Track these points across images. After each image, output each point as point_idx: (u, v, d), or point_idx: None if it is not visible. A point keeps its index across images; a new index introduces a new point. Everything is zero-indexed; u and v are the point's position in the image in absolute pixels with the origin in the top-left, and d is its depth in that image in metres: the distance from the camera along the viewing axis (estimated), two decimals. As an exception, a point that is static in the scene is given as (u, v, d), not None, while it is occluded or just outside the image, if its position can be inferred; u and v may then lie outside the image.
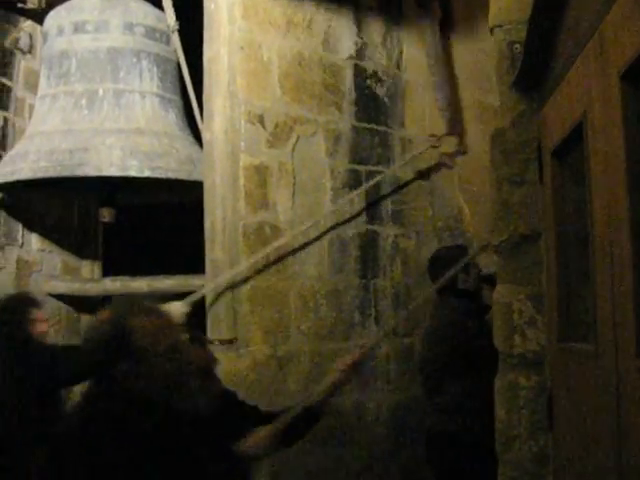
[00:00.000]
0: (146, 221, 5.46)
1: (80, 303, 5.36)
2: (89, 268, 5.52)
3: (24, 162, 4.47)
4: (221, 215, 4.15)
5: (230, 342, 4.15)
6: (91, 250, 5.53)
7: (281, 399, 4.23)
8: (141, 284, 5.04)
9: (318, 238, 4.41)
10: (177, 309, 3.74)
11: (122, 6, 4.67)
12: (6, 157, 4.73)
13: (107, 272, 5.55)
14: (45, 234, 5.24)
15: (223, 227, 4.15)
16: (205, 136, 4.28)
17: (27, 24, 5.13)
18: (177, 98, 4.80)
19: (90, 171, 4.37)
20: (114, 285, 5.09)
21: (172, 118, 4.72)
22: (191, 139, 4.74)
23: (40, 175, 4.41)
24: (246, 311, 4.18)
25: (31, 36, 5.15)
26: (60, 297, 5.29)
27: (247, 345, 4.18)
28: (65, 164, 4.37)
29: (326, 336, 4.42)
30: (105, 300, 5.19)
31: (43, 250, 5.24)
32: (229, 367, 4.14)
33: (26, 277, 5.12)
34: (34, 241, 5.18)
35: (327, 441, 4.23)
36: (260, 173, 4.28)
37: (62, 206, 5.37)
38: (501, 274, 2.74)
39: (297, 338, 4.32)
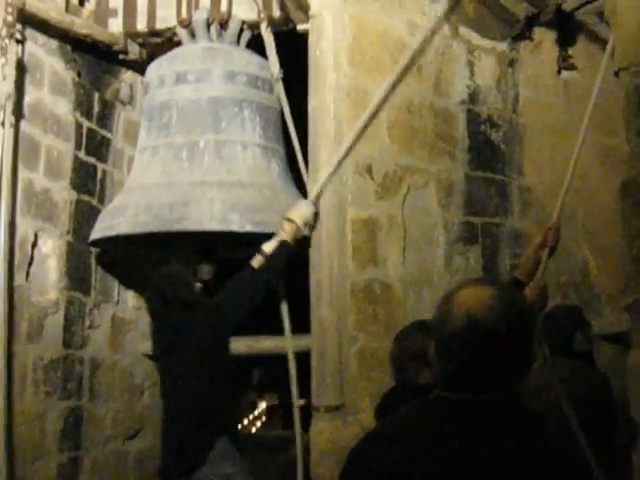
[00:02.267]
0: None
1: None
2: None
3: (122, 216, 4.58)
4: (328, 272, 4.14)
5: (336, 409, 4.10)
6: (188, 308, 5.57)
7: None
8: (239, 345, 5.04)
9: (431, 296, 4.30)
10: (305, 210, 4.15)
11: (224, 55, 4.79)
12: (104, 211, 4.86)
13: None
14: (141, 292, 5.31)
15: (330, 284, 4.14)
16: (310, 188, 4.27)
17: (127, 75, 5.34)
18: (280, 148, 4.84)
19: (190, 225, 4.43)
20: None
21: (275, 169, 4.76)
22: (294, 191, 4.76)
23: (139, 230, 4.51)
24: (354, 374, 4.12)
25: (131, 87, 5.34)
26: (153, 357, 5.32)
27: (355, 412, 4.10)
28: (164, 218, 4.45)
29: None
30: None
31: (139, 308, 5.31)
32: (335, 436, 4.08)
33: (121, 336, 5.21)
34: (130, 298, 5.27)
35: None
36: (369, 227, 4.25)
37: (159, 262, 5.43)
38: (636, 337, 2.60)
39: (409, 405, 4.20)
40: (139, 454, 5.27)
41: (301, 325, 4.53)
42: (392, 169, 4.37)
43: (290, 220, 4.11)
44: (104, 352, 5.08)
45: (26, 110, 4.65)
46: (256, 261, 4.06)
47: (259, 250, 4.09)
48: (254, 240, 4.92)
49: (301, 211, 4.14)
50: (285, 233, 4.10)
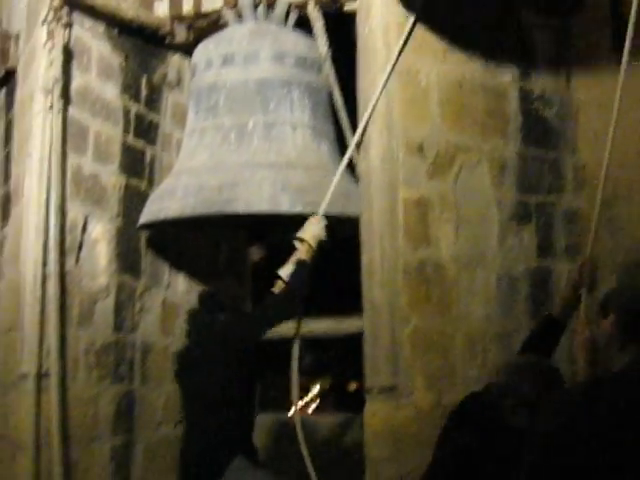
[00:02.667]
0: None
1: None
2: (235, 311, 5.55)
3: (171, 200, 4.58)
4: (379, 252, 4.08)
5: (390, 390, 4.05)
6: (239, 291, 5.57)
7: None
8: (291, 327, 5.02)
9: (485, 276, 4.25)
10: (315, 228, 4.08)
11: (272, 36, 4.75)
12: (153, 195, 4.85)
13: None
14: (191, 275, 5.33)
15: (381, 265, 4.08)
16: (361, 168, 4.24)
17: (175, 58, 5.31)
18: (329, 129, 4.80)
19: (240, 208, 4.41)
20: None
21: (324, 150, 4.72)
22: (344, 172, 4.70)
23: (188, 213, 4.50)
24: (408, 356, 4.07)
25: (179, 70, 5.31)
26: (206, 341, 5.32)
27: (409, 393, 4.06)
28: (214, 201, 4.43)
29: (495, 384, 4.24)
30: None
31: (190, 292, 5.31)
32: (388, 418, 4.05)
33: (172, 320, 5.21)
34: (180, 282, 5.27)
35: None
36: (420, 206, 4.19)
37: (209, 245, 5.45)
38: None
39: (464, 385, 4.14)
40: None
41: (353, 307, 4.51)
42: (444, 148, 4.29)
43: (302, 240, 4.05)
44: (155, 336, 5.07)
45: (74, 95, 4.67)
46: (277, 287, 4.02)
47: (276, 276, 4.03)
48: (304, 222, 4.93)
49: (312, 229, 4.07)
50: (299, 253, 4.03)
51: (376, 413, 4.04)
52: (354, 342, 4.50)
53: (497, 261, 4.31)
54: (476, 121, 4.40)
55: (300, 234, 4.06)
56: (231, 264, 5.60)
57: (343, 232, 4.79)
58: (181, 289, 5.29)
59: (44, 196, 4.42)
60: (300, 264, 4.00)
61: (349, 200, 4.52)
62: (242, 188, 4.43)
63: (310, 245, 4.03)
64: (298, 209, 4.41)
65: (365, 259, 4.15)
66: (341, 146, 4.79)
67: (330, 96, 4.78)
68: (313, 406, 18.12)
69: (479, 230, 4.33)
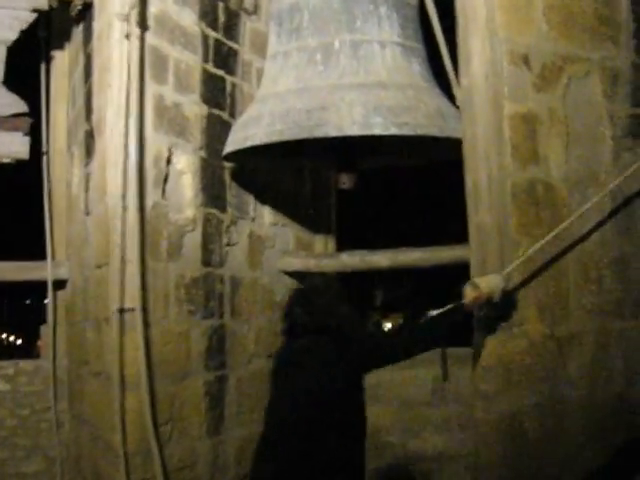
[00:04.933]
0: (385, 187, 4.85)
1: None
2: (322, 242, 5.04)
3: (257, 127, 4.00)
4: (486, 172, 3.46)
5: (500, 319, 3.44)
6: (324, 222, 5.04)
7: (561, 387, 3.50)
8: (381, 258, 4.47)
9: (598, 196, 3.58)
10: (495, 281, 3.27)
11: (355, -52, 4.06)
12: (237, 123, 4.30)
13: (341, 246, 5.03)
14: (277, 207, 4.78)
15: (488, 186, 3.46)
16: (462, 82, 3.59)
17: (251, -18, 4.66)
18: (420, 46, 4.18)
19: (331, 131, 3.81)
20: (352, 260, 4.57)
21: (416, 68, 4.09)
22: (438, 91, 4.09)
23: (276, 139, 3.92)
24: (519, 283, 3.45)
25: (256, -5, 4.68)
26: (293, 274, 4.81)
27: (520, 324, 3.46)
28: (302, 125, 3.84)
29: (611, 312, 3.62)
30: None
31: (275, 224, 4.80)
32: (500, 350, 3.46)
33: (259, 253, 4.69)
34: (266, 215, 4.74)
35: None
36: (528, 122, 3.54)
37: (292, 175, 4.88)
38: None
39: (578, 315, 3.55)
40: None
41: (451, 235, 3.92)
42: (550, 59, 3.60)
43: (476, 286, 3.20)
44: (243, 270, 4.55)
45: (151, 22, 4.08)
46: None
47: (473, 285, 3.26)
48: (395, 146, 4.31)
49: (490, 280, 3.26)
50: (466, 299, 3.20)
51: (486, 345, 3.45)
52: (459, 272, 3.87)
53: (610, 180, 3.63)
54: (585, 28, 3.70)
55: (476, 280, 3.25)
56: (316, 194, 5.03)
57: (438, 156, 4.18)
58: (267, 221, 4.77)
59: (125, 127, 3.84)
60: (458, 308, 3.22)
61: (446, 121, 3.91)
62: (332, 111, 3.82)
63: (482, 294, 3.20)
64: (392, 131, 3.80)
65: (469, 181, 3.53)
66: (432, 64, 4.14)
67: (418, 11, 4.11)
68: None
69: (590, 147, 3.66)
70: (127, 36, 3.86)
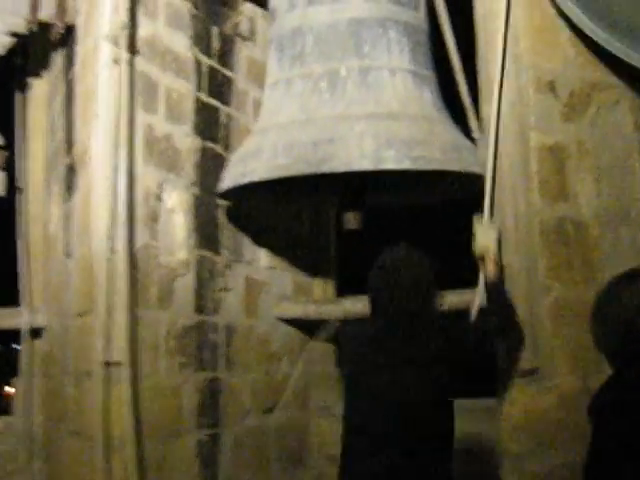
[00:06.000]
0: (389, 226, 4.68)
1: (314, 328, 4.65)
2: (321, 287, 4.85)
3: (257, 161, 3.81)
4: (512, 210, 3.31)
5: (530, 373, 3.27)
6: (324, 265, 4.84)
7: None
8: (388, 303, 4.25)
9: (631, 234, 3.43)
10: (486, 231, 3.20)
11: (362, -31, 3.93)
12: (234, 157, 4.11)
13: (342, 290, 4.84)
14: (274, 249, 4.59)
15: (515, 225, 3.30)
16: (484, 112, 3.43)
17: (246, 7, 4.59)
18: (431, 74, 4.02)
19: (339, 166, 3.63)
20: (355, 306, 4.39)
21: (428, 98, 3.93)
22: (451, 122, 3.93)
23: (278, 174, 3.74)
24: (548, 331, 3.29)
25: (252, 20, 4.56)
26: (291, 321, 4.60)
27: (551, 376, 3.28)
28: (308, 159, 3.66)
29: (649, 362, 3.42)
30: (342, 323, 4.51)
31: (272, 267, 4.60)
32: (529, 405, 3.28)
33: (255, 299, 4.48)
34: (263, 257, 4.54)
35: None
36: (555, 155, 3.40)
37: (290, 214, 4.69)
38: None
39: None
40: (280, 428, 4.53)
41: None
42: (578, 86, 3.48)
43: (481, 257, 3.17)
44: (239, 317, 4.33)
45: (141, 45, 3.91)
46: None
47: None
48: (406, 182, 4.15)
49: (484, 237, 3.19)
50: (486, 273, 3.14)
51: (515, 401, 3.26)
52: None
53: (644, 217, 3.48)
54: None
55: (477, 251, 3.18)
56: (315, 235, 4.84)
57: (453, 192, 4.01)
58: (264, 264, 4.56)
59: (113, 160, 3.65)
60: (492, 285, 3.12)
61: (462, 154, 3.74)
62: (340, 143, 3.64)
63: (492, 257, 3.14)
64: (406, 165, 3.62)
65: (496, 220, 3.34)
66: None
67: (429, 36, 3.98)
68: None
69: (621, 181, 3.52)
70: (116, 60, 3.67)
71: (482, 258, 3.18)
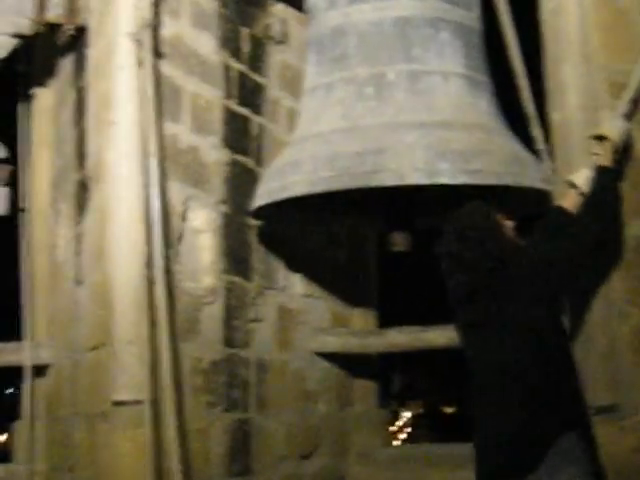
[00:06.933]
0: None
1: (356, 365, 4.69)
2: (362, 317, 4.88)
3: (296, 174, 3.89)
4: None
5: (608, 410, 3.29)
6: (364, 293, 4.89)
7: None
8: (438, 336, 4.33)
9: None
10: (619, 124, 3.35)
11: (411, -36, 4.02)
12: (269, 171, 4.18)
13: (383, 321, 4.90)
14: (309, 275, 4.64)
15: (590, 244, 3.32)
16: (553, 117, 3.49)
17: (278, 8, 4.69)
18: (487, 79, 4.13)
19: (388, 179, 3.70)
20: (402, 338, 4.46)
21: (484, 105, 4.02)
22: (510, 132, 4.00)
23: (320, 188, 3.82)
24: (628, 363, 3.30)
25: (284, 22, 4.64)
26: (329, 356, 4.64)
27: (633, 413, 3.29)
28: (353, 172, 3.74)
29: None
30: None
31: (308, 295, 4.64)
32: (607, 447, 3.27)
33: (290, 331, 4.54)
34: (298, 284, 4.58)
35: None
36: (636, 164, 3.43)
37: (326, 237, 4.74)
38: None
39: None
40: (316, 476, 4.57)
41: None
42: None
43: (602, 138, 3.30)
44: (271, 352, 4.39)
45: (163, 47, 4.00)
46: (569, 199, 3.32)
47: (569, 183, 3.33)
48: (459, 200, 4.19)
49: (614, 124, 3.34)
50: (602, 156, 3.28)
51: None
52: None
53: None
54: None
55: (600, 131, 3.33)
56: (354, 260, 4.89)
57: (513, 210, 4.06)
58: (299, 292, 4.60)
59: (136, 176, 3.71)
60: (602, 171, 3.27)
61: (524, 168, 3.81)
62: (389, 155, 3.71)
63: (614, 143, 3.29)
64: (462, 179, 3.69)
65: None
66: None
67: (484, 38, 4.07)
68: (403, 435, 17.35)
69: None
70: (140, 62, 3.74)
71: (603, 138, 3.29)
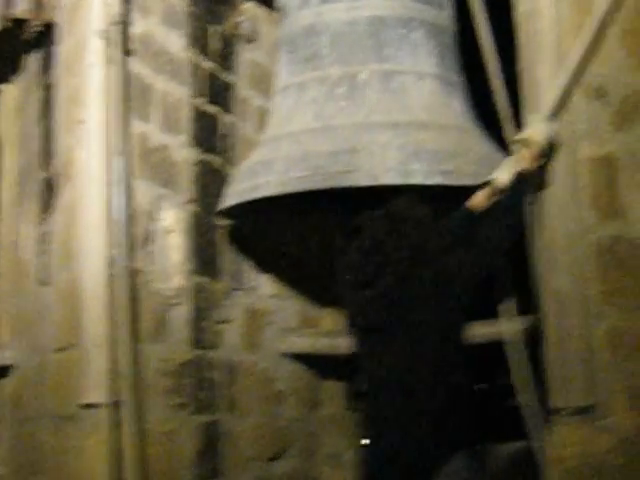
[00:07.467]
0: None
1: (324, 366, 4.64)
2: (330, 318, 4.81)
3: (268, 174, 3.80)
4: (563, 228, 3.28)
5: (584, 411, 3.24)
6: (333, 294, 4.79)
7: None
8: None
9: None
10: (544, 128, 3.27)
11: (382, -38, 3.96)
12: (239, 171, 4.11)
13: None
14: (278, 275, 4.55)
15: (567, 244, 3.28)
16: (528, 119, 3.43)
17: (248, 6, 4.64)
18: (460, 79, 4.09)
19: (361, 179, 3.64)
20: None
21: (457, 106, 3.97)
22: (484, 133, 3.95)
23: (292, 188, 3.75)
24: (605, 364, 3.25)
25: (254, 21, 4.55)
26: (298, 357, 4.58)
27: (607, 415, 3.25)
28: (327, 172, 3.67)
29: None
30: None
31: (277, 296, 4.55)
32: (584, 447, 3.24)
33: (258, 331, 4.47)
34: (266, 284, 4.51)
35: None
36: (607, 167, 3.39)
37: (296, 236, 4.67)
38: None
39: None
40: (285, 478, 4.51)
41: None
42: (629, 92, 3.49)
43: (526, 141, 3.24)
44: (240, 353, 4.33)
45: (134, 44, 3.90)
46: (480, 198, 3.23)
47: (487, 182, 3.23)
48: (429, 199, 4.14)
49: (538, 128, 3.26)
50: (521, 160, 3.22)
51: (567, 443, 3.22)
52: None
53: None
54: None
55: (523, 135, 3.27)
56: (323, 260, 4.82)
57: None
58: (267, 292, 4.53)
59: (105, 174, 3.61)
60: (521, 175, 3.22)
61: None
62: (362, 155, 3.65)
63: (540, 148, 3.23)
64: (436, 180, 3.64)
65: (542, 239, 3.34)
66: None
67: (457, 38, 4.01)
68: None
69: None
70: (109, 59, 3.65)
71: (527, 142, 3.24)
